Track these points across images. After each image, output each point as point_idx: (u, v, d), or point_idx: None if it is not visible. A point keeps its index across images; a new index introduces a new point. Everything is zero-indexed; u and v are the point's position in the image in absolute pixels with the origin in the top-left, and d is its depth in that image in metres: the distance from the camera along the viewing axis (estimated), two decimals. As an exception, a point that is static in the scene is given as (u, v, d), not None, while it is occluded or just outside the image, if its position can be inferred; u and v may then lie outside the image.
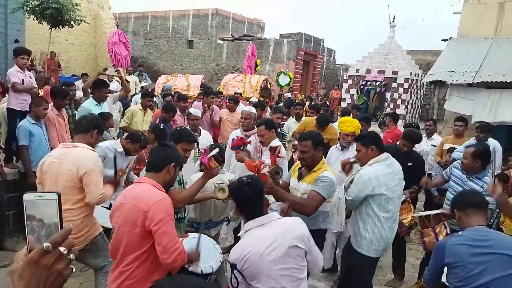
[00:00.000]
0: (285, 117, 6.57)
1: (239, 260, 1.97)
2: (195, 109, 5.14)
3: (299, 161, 3.16)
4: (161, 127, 4.47)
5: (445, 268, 2.41)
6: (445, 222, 3.40)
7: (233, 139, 3.98)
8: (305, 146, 2.93)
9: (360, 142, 3.15)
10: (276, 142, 3.79)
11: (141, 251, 2.09)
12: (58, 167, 2.80)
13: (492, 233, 2.39)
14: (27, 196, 0.85)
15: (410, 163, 4.16)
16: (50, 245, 0.80)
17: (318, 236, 2.93)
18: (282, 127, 6.06)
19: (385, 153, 3.11)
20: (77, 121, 3.24)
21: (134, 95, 9.33)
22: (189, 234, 2.72)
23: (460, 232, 2.44)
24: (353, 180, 3.08)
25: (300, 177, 3.06)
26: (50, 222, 0.84)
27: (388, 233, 3.07)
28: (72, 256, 0.83)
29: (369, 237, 3.03)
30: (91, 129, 3.02)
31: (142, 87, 10.73)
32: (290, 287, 2.00)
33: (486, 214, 2.48)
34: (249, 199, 2.12)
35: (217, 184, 3.06)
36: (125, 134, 4.20)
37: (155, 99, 7.71)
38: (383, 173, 3.00)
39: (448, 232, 3.32)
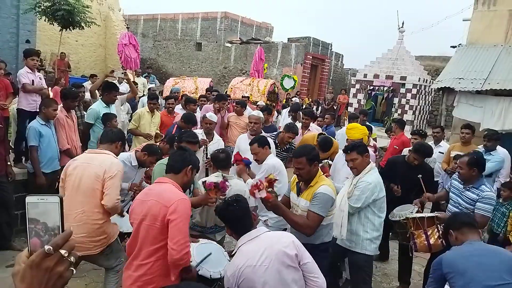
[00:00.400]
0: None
1: (235, 276, 2.06)
2: (211, 113, 5.06)
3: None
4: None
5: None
6: (438, 226, 3.46)
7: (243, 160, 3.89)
8: (300, 163, 2.89)
9: (356, 151, 3.28)
10: (270, 159, 3.78)
11: (158, 245, 2.22)
12: (84, 170, 2.94)
13: (487, 246, 2.57)
14: (29, 199, 0.85)
15: (420, 175, 4.21)
16: (51, 248, 0.80)
17: (323, 249, 3.01)
18: (293, 147, 5.19)
19: (373, 163, 3.41)
20: (104, 131, 3.50)
21: (142, 96, 9.37)
22: (200, 240, 2.83)
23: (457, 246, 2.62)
24: (354, 188, 3.24)
25: (299, 192, 3.05)
26: (52, 225, 0.85)
27: (381, 231, 3.34)
28: (72, 259, 0.84)
29: (370, 237, 3.26)
30: (116, 140, 3.27)
31: (149, 89, 10.78)
32: None
33: (479, 233, 2.70)
34: (237, 217, 2.23)
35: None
36: (142, 145, 4.08)
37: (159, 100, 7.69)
38: (379, 179, 3.30)
39: (440, 236, 3.39)
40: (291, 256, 2.08)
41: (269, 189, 2.88)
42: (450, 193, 3.89)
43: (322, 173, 3.20)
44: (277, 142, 4.77)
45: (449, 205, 3.87)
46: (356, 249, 3.31)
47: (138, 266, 2.26)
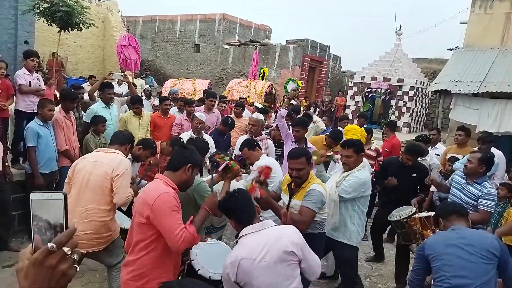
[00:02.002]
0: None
1: (234, 265, 2.05)
2: (200, 113, 5.13)
3: (290, 177, 3.09)
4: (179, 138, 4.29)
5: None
6: None
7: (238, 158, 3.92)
8: (300, 163, 2.88)
9: (353, 149, 3.41)
10: (263, 159, 3.81)
11: (148, 241, 2.25)
12: (93, 168, 2.99)
13: (468, 231, 2.56)
14: (34, 195, 0.85)
15: (415, 174, 4.40)
16: (54, 245, 0.80)
17: (319, 237, 3.05)
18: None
19: (363, 161, 3.52)
20: (115, 133, 3.56)
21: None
22: (208, 239, 2.87)
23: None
24: (343, 179, 3.43)
25: (291, 194, 3.04)
26: (56, 222, 0.85)
27: (364, 223, 3.61)
28: (76, 256, 0.84)
29: (356, 230, 3.48)
30: (126, 143, 3.33)
31: (144, 90, 10.73)
32: None
33: (468, 221, 2.67)
34: (239, 207, 2.24)
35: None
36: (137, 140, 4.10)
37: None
38: (369, 178, 3.48)
39: None
40: (293, 254, 2.08)
41: (262, 186, 2.90)
42: (452, 188, 3.94)
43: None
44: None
45: (449, 198, 3.96)
46: (343, 239, 3.48)
47: (132, 262, 2.30)
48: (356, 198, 3.42)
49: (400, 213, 3.84)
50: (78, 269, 0.85)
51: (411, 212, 3.81)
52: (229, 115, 6.48)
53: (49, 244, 0.80)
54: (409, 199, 4.26)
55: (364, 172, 3.44)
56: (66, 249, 0.82)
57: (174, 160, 2.43)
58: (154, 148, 3.95)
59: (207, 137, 4.95)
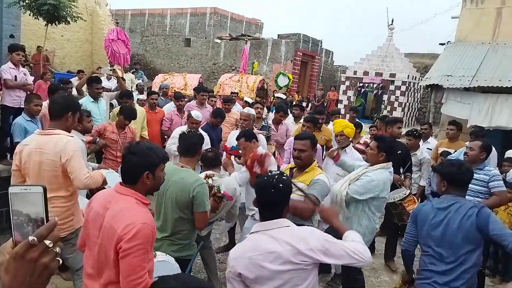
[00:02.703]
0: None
1: (236, 260, 1.94)
2: (197, 113, 5.02)
3: (293, 161, 3.17)
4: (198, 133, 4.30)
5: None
6: None
7: (233, 146, 3.95)
8: (304, 145, 2.93)
9: (377, 144, 3.32)
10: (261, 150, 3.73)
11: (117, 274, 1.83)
12: (40, 157, 2.72)
13: (459, 199, 2.62)
14: (12, 189, 0.85)
15: (400, 151, 4.57)
16: (35, 238, 0.79)
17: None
18: (269, 126, 5.98)
19: (390, 162, 3.34)
20: (49, 106, 2.93)
21: (130, 92, 9.22)
22: (157, 253, 2.40)
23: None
24: (358, 178, 3.31)
25: (291, 176, 3.02)
26: (35, 215, 0.84)
27: (375, 227, 3.45)
28: (57, 249, 0.83)
29: (362, 231, 3.25)
30: (64, 111, 2.79)
31: (137, 85, 10.65)
32: None
33: (462, 192, 2.70)
34: (272, 201, 1.99)
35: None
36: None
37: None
38: (387, 180, 3.29)
39: None
40: (308, 262, 1.90)
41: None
42: None
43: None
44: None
45: None
46: None
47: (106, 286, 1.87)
48: (368, 200, 3.25)
49: (394, 196, 4.08)
50: (60, 262, 0.84)
51: (405, 194, 4.09)
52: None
53: (30, 238, 0.79)
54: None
55: (381, 173, 3.25)
56: (47, 242, 0.81)
57: (127, 171, 1.97)
58: (134, 118, 4.25)
59: (202, 133, 4.84)
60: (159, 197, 2.80)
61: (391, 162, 3.35)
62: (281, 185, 1.98)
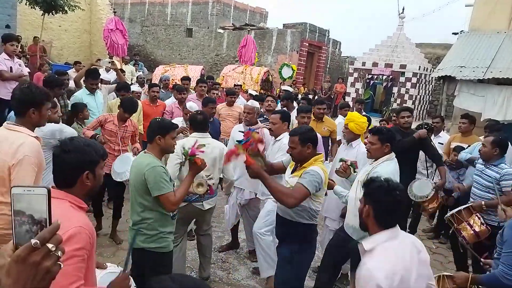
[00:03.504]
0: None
1: (392, 282, 1.76)
2: (191, 103, 5.12)
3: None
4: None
5: None
6: (477, 214, 3.74)
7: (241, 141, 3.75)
8: (292, 141, 2.90)
9: (377, 137, 3.27)
10: (287, 138, 3.57)
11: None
12: None
13: None
14: (15, 190, 0.85)
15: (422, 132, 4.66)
16: (38, 241, 0.79)
17: (306, 228, 2.93)
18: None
19: (393, 152, 3.32)
20: (11, 98, 2.60)
21: (130, 85, 8.89)
22: (108, 265, 2.18)
23: None
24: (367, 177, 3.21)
25: (293, 171, 3.05)
26: (39, 218, 0.85)
27: None
28: (60, 253, 0.83)
29: None
30: (25, 108, 2.44)
31: (137, 77, 10.37)
32: None
33: None
34: (392, 206, 1.92)
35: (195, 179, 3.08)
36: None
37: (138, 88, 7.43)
38: (395, 172, 3.22)
39: (482, 222, 3.68)
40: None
41: (255, 156, 2.88)
42: (474, 176, 4.14)
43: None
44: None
45: (472, 187, 4.13)
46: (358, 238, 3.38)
47: None
48: None
49: (421, 195, 4.33)
50: (62, 266, 0.84)
51: (427, 196, 4.29)
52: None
53: (33, 241, 0.79)
54: (413, 164, 4.74)
55: (388, 165, 3.23)
56: (50, 245, 0.81)
57: (63, 172, 1.73)
58: (135, 111, 4.31)
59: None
60: (130, 184, 2.86)
61: (394, 153, 3.35)
62: (399, 188, 1.98)
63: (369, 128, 5.71)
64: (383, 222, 1.90)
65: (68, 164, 1.69)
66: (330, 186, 3.37)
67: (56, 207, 1.42)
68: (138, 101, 5.76)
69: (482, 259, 2.92)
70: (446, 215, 3.95)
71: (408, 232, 5.42)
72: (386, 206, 1.90)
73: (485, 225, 3.68)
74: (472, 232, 3.63)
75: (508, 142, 4.03)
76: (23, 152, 2.37)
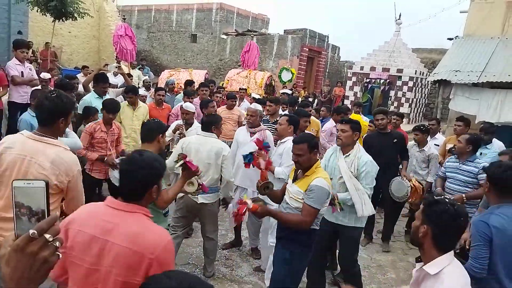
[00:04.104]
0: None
1: None
2: (188, 103, 5.19)
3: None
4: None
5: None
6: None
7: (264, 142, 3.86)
8: (300, 149, 2.86)
9: (350, 125, 3.54)
10: (290, 142, 3.63)
11: None
12: (28, 167, 2.18)
13: None
14: (16, 183, 0.87)
15: (395, 140, 5.09)
16: (36, 232, 0.81)
17: (313, 234, 2.99)
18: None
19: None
20: (37, 111, 2.42)
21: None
22: None
23: (493, 211, 2.52)
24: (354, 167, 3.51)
25: (295, 179, 3.03)
26: (37, 209, 0.87)
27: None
28: (58, 243, 0.84)
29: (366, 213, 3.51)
30: (56, 118, 2.29)
31: (143, 81, 10.69)
32: None
33: None
34: (455, 233, 1.87)
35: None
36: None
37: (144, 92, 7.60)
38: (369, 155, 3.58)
39: (419, 181, 4.85)
40: None
41: (255, 200, 2.89)
42: (447, 173, 4.44)
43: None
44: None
45: (447, 183, 4.44)
46: (356, 224, 3.56)
47: None
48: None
49: (399, 196, 4.84)
50: (60, 256, 0.85)
51: (407, 194, 4.77)
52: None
53: (30, 231, 0.81)
54: (393, 164, 5.07)
55: (365, 152, 3.58)
56: (47, 236, 0.82)
57: (135, 187, 1.74)
58: (117, 111, 4.33)
59: (196, 125, 4.84)
60: None
61: (357, 143, 3.64)
62: (460, 213, 1.86)
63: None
64: (443, 246, 1.84)
65: (141, 180, 1.72)
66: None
67: (137, 221, 1.65)
68: (145, 104, 5.93)
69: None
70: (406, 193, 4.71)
71: (405, 230, 5.63)
72: (449, 231, 1.83)
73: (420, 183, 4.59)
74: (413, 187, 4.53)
75: (480, 141, 4.43)
76: (76, 167, 2.32)
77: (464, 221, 1.84)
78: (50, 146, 2.23)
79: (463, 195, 4.09)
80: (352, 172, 3.47)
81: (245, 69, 12.50)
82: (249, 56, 12.74)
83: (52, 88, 5.29)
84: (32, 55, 12.11)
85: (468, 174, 4.20)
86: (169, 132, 4.71)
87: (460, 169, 4.26)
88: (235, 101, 6.70)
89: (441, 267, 1.80)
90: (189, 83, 8.18)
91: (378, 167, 3.61)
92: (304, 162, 2.88)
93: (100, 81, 5.25)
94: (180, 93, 7.96)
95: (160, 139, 2.93)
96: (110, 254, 1.59)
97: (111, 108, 4.43)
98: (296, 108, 6.31)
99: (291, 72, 13.75)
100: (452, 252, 1.85)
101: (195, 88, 7.92)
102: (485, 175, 3.65)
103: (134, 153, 1.84)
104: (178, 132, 4.64)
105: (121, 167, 1.80)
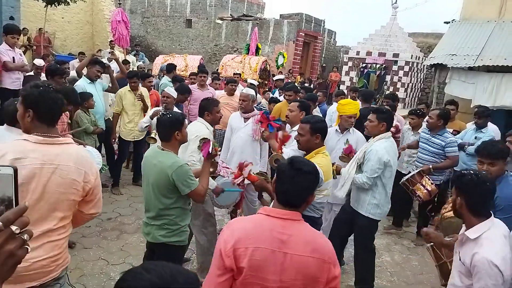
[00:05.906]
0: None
1: (506, 264, 1.92)
2: (170, 88, 5.06)
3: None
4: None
5: None
6: (427, 176, 4.39)
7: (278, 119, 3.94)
8: (302, 128, 2.87)
9: (376, 115, 3.47)
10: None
11: None
12: (51, 176, 1.90)
13: None
14: None
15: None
16: (1, 223, 0.74)
17: (312, 222, 2.97)
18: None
19: (389, 132, 3.52)
20: (42, 111, 1.95)
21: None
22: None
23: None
24: (363, 155, 3.46)
25: None
26: (4, 198, 0.81)
27: (389, 199, 3.56)
28: (26, 236, 0.77)
29: (376, 203, 3.46)
30: (59, 115, 2.09)
31: (138, 67, 10.59)
32: None
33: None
34: (484, 198, 2.05)
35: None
36: None
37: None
38: (392, 149, 3.46)
39: (432, 182, 4.36)
40: None
41: (257, 172, 2.95)
42: (420, 143, 4.79)
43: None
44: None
45: (419, 153, 4.83)
46: (361, 210, 3.52)
47: None
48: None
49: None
50: (29, 250, 0.79)
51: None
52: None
53: None
54: None
55: (383, 142, 3.42)
56: (14, 227, 0.75)
57: (300, 193, 1.69)
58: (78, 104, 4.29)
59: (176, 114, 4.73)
60: (144, 181, 2.83)
61: (390, 132, 3.54)
62: (486, 180, 2.08)
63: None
64: (477, 212, 2.03)
65: (307, 185, 1.68)
66: (338, 170, 3.52)
67: (305, 228, 1.64)
68: (145, 88, 5.87)
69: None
70: (401, 180, 4.41)
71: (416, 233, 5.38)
72: (478, 198, 2.02)
73: (434, 184, 4.38)
74: (426, 191, 4.28)
75: (449, 116, 4.77)
76: (95, 165, 2.19)
77: (490, 186, 2.03)
78: (63, 145, 1.97)
79: (430, 166, 4.57)
80: (359, 159, 3.49)
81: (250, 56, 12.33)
82: (253, 44, 12.67)
83: (43, 77, 5.25)
84: (27, 42, 11.95)
85: (436, 146, 4.58)
86: (147, 118, 4.89)
87: (430, 141, 4.64)
88: (235, 85, 6.47)
89: (480, 232, 2.00)
90: (172, 67, 7.76)
91: (393, 161, 3.50)
92: (304, 142, 2.88)
93: (95, 63, 5.20)
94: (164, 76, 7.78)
95: (177, 136, 2.68)
96: (292, 267, 1.54)
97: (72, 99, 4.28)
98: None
99: (283, 56, 13.64)
100: (492, 218, 2.04)
101: (189, 73, 7.81)
102: (451, 148, 4.50)
103: (298, 157, 1.84)
104: (156, 118, 4.53)
105: (288, 173, 1.68)
